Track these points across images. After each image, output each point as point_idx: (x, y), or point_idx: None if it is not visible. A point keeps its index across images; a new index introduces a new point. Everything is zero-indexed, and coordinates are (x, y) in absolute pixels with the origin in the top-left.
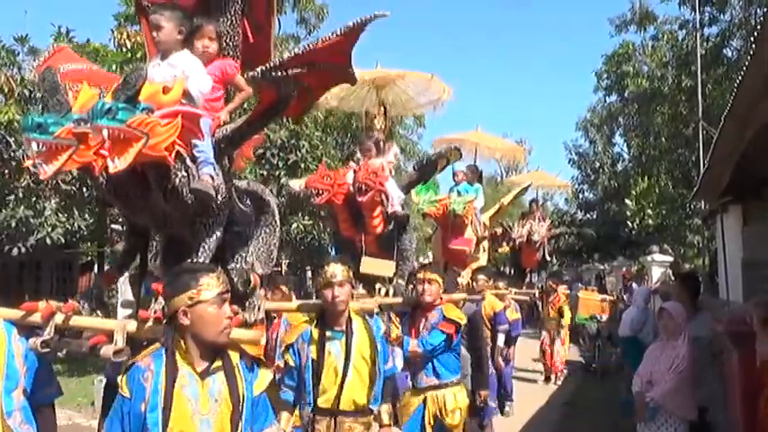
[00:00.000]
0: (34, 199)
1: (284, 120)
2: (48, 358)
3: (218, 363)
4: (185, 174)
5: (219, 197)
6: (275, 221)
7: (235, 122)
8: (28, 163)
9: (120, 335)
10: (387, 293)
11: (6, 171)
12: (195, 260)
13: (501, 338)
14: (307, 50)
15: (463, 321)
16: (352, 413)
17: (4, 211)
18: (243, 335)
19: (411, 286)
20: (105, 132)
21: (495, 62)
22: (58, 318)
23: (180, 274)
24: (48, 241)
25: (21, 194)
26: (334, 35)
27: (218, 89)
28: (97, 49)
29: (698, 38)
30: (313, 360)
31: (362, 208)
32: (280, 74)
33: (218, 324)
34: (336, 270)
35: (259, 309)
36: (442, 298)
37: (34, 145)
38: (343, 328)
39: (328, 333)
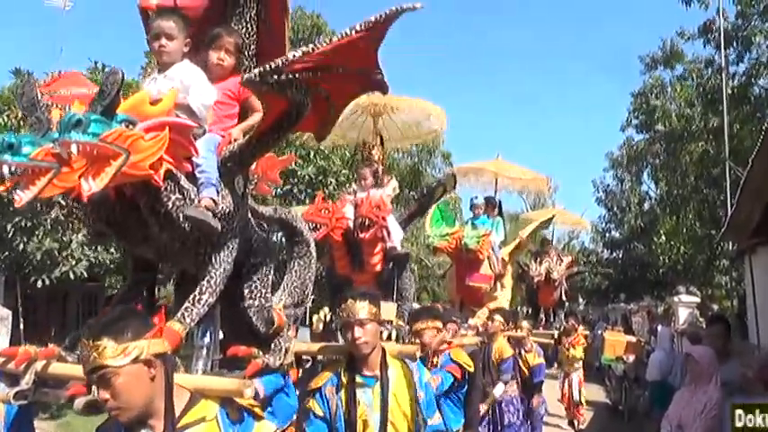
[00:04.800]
0: (61, 232)
1: (311, 155)
2: (29, 411)
3: (185, 419)
4: (180, 196)
5: (225, 223)
6: (310, 252)
7: (243, 138)
8: None
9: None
10: (389, 337)
11: (36, 203)
12: (198, 296)
13: (499, 389)
14: (316, 50)
15: (471, 368)
16: None
17: (31, 242)
18: (220, 385)
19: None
20: (74, 148)
21: (523, 99)
22: (38, 365)
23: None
24: (71, 276)
25: (49, 226)
26: (353, 32)
27: (232, 106)
28: (129, 83)
29: (724, 77)
30: (343, 410)
31: (363, 244)
32: (283, 77)
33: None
34: (356, 307)
35: (287, 352)
36: (450, 342)
37: (5, 168)
38: (376, 373)
39: (359, 379)
